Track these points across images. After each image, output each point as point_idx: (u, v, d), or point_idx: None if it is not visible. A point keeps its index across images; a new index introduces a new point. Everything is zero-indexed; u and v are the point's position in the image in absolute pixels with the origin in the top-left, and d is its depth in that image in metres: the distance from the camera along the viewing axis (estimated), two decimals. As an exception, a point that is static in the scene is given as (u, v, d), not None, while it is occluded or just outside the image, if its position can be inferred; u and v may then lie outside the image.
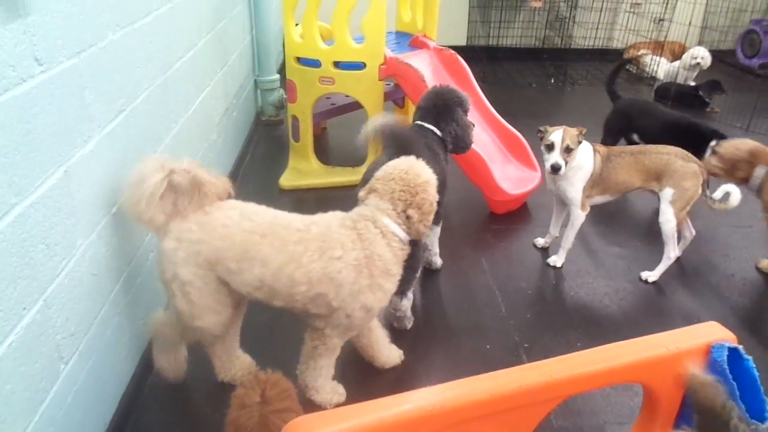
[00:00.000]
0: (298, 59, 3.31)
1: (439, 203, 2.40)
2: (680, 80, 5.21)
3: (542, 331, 2.32)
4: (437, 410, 0.99)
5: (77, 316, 1.56)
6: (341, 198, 3.30)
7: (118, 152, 1.81)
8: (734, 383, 1.15)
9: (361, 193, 1.77)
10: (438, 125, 2.39)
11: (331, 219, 1.69)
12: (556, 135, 2.39)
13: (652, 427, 1.34)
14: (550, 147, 2.40)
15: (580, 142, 2.43)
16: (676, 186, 2.41)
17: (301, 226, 1.63)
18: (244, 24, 3.96)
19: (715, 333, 1.20)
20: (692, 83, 5.16)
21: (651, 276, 2.56)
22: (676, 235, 2.50)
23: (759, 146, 2.60)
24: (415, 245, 2.05)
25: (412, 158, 1.76)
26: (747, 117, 4.54)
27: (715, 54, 5.60)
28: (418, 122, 2.42)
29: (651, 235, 2.75)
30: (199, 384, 1.99)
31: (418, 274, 2.16)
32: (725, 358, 1.15)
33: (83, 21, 1.58)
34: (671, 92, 4.96)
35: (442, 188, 2.38)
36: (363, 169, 3.48)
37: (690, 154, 2.48)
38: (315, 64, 3.24)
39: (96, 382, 1.67)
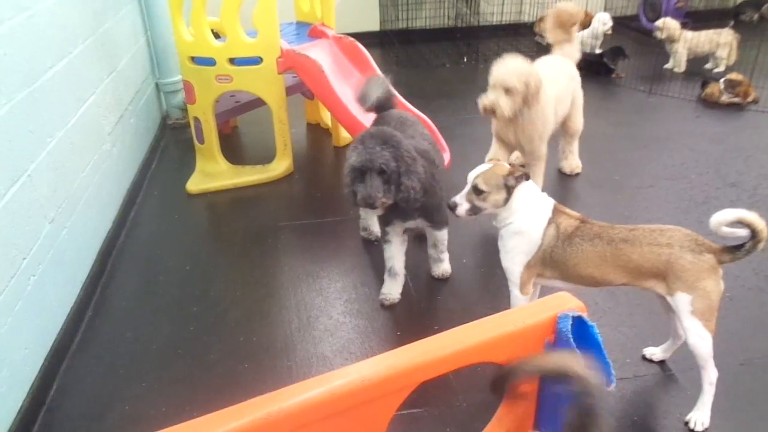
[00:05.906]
0: (192, 58, 3.20)
1: None
2: (587, 49, 5.33)
3: (452, 311, 2.33)
4: (273, 417, 0.97)
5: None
6: (254, 197, 3.28)
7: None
8: (578, 351, 1.17)
9: None
10: None
11: None
12: (472, 173, 1.91)
13: (515, 406, 1.36)
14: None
15: (508, 187, 1.87)
16: (693, 290, 1.67)
17: None
18: (136, 26, 3.79)
19: (565, 303, 1.22)
20: (598, 51, 5.29)
21: (700, 421, 1.78)
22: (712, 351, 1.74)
23: None
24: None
25: None
26: (649, 82, 4.70)
27: (620, 20, 5.76)
28: None
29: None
30: (100, 413, 1.92)
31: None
32: (569, 327, 1.18)
33: None
34: (580, 61, 5.06)
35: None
36: (274, 166, 3.42)
37: (701, 239, 1.70)
38: (209, 62, 3.14)
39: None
